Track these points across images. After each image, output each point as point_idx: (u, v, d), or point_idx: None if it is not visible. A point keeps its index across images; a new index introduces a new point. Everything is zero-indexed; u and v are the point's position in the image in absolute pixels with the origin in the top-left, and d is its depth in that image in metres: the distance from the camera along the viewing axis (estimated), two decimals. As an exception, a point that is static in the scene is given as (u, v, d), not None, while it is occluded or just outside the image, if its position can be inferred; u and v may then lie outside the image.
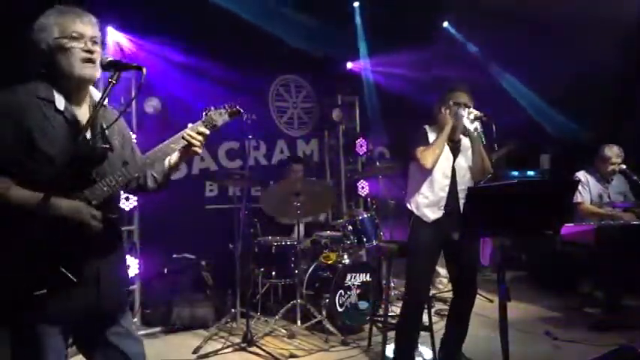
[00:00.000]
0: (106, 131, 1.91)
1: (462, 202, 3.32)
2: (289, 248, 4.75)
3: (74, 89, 1.87)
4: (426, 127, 3.47)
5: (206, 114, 2.04)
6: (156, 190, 2.16)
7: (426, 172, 3.34)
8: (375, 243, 4.79)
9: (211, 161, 6.03)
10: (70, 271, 1.74)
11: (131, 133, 2.23)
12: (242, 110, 2.09)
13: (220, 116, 2.06)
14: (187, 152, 2.04)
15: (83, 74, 1.83)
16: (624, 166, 4.83)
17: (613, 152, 4.88)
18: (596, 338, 4.11)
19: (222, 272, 4.95)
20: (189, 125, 2.03)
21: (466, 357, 3.60)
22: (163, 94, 5.20)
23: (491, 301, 5.06)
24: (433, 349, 3.69)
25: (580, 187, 4.86)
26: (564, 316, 4.87)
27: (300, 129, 6.75)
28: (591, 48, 5.75)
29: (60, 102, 1.82)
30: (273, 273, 4.74)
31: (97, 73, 1.87)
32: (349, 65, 7.03)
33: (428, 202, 3.36)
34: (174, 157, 2.10)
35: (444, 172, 3.37)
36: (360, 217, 4.88)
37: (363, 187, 6.54)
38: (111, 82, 1.80)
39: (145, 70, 1.83)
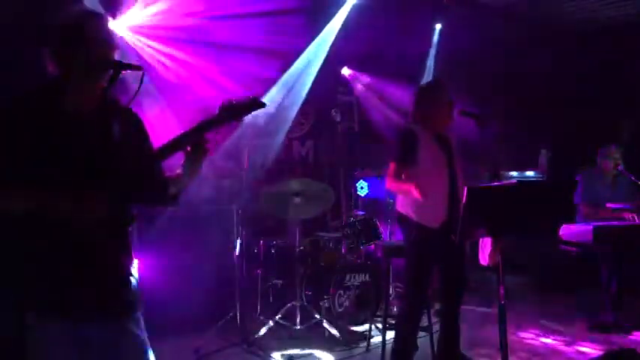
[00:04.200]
0: (112, 128, 1.87)
1: (459, 202, 3.30)
2: (288, 248, 4.74)
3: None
4: (412, 126, 3.45)
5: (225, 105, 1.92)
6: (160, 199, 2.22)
7: (423, 176, 3.32)
8: (374, 243, 4.78)
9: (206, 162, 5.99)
10: (75, 269, 1.74)
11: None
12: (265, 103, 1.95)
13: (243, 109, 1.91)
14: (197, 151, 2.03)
15: None
16: (621, 167, 4.83)
17: (611, 149, 4.90)
18: (596, 338, 4.12)
19: (222, 272, 4.94)
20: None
21: (465, 357, 3.59)
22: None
23: (490, 301, 5.07)
24: (432, 350, 3.69)
25: (581, 188, 4.87)
26: (564, 316, 4.87)
27: (296, 130, 6.72)
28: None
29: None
30: (273, 273, 4.71)
31: None
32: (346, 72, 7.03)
33: (426, 206, 3.29)
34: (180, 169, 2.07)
35: (441, 173, 3.35)
36: (359, 218, 4.87)
37: (362, 188, 6.52)
38: (110, 81, 1.77)
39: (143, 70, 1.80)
